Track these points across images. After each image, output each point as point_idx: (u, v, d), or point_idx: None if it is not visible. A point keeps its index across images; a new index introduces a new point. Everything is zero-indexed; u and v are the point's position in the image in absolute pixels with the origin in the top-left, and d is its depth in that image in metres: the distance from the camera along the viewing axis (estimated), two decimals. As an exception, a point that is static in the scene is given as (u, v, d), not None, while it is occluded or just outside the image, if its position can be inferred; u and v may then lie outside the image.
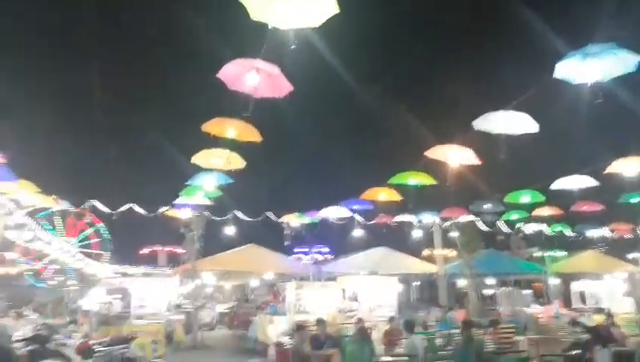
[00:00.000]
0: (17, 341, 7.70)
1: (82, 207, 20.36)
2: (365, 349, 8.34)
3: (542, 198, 14.72)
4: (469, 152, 10.10)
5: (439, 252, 20.63)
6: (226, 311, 25.95)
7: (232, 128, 9.22)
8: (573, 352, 8.90)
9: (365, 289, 14.44)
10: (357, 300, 14.50)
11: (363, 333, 8.97)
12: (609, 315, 12.70)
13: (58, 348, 7.47)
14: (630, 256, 21.67)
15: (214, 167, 12.01)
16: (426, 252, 21.64)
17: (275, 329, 13.80)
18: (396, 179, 12.79)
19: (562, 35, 8.92)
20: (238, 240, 20.29)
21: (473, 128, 8.85)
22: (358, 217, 18.54)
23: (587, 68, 6.61)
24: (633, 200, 14.60)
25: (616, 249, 21.55)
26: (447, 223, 19.61)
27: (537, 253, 24.82)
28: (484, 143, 9.73)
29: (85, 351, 8.20)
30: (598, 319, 13.53)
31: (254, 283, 27.67)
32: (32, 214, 26.10)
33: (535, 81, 7.37)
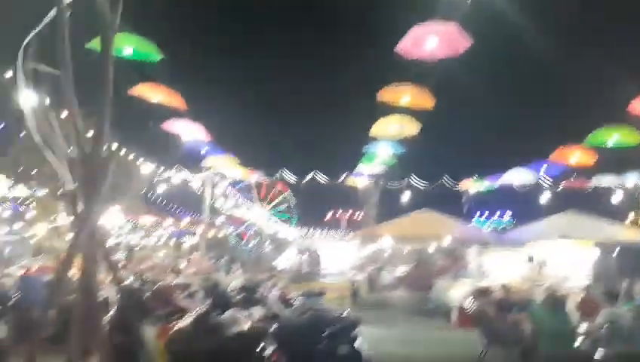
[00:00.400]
0: (231, 291, 9.04)
1: (274, 177, 22.65)
2: (558, 317, 7.82)
3: None
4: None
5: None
6: (405, 273, 26.43)
7: (405, 95, 9.29)
8: None
9: (555, 256, 13.42)
10: (545, 267, 13.55)
11: (556, 300, 8.41)
12: None
13: (263, 298, 8.57)
14: None
15: (391, 136, 12.26)
16: (631, 216, 19.04)
17: (456, 293, 13.73)
18: (594, 137, 11.48)
19: None
20: (414, 206, 20.46)
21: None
22: (545, 180, 17.15)
23: None
24: None
25: None
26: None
27: None
28: None
29: (284, 301, 9.31)
30: None
31: (432, 247, 27.63)
32: (234, 184, 29.84)
33: None
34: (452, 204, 20.93)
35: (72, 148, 2.89)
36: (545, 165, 15.67)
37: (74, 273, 5.33)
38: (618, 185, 16.86)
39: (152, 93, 11.30)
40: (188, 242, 38.33)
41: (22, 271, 13.96)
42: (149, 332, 6.67)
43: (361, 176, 19.05)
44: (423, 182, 19.71)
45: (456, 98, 20.84)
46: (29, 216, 22.74)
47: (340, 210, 46.95)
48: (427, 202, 20.62)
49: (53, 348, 2.71)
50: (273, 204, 46.24)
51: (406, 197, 19.41)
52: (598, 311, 8.27)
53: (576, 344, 7.27)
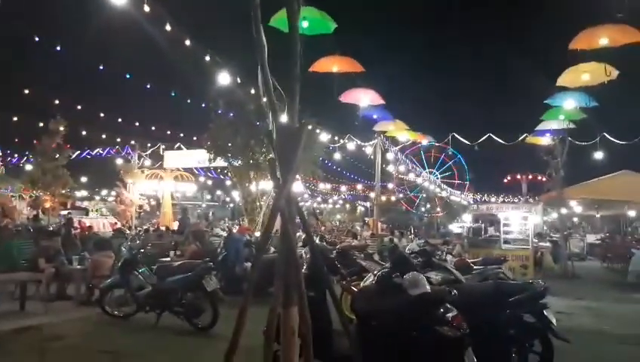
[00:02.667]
0: (409, 253, 9.20)
1: (445, 140, 22.08)
2: None
3: None
4: None
5: None
6: (598, 241, 23.90)
7: (604, 37, 8.18)
8: None
9: None
10: None
11: None
12: None
13: (441, 263, 8.55)
14: None
15: (583, 84, 10.96)
16: None
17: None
18: None
19: None
20: (608, 166, 18.15)
21: None
22: None
23: None
24: None
25: None
26: None
27: None
28: None
29: (464, 266, 9.16)
30: None
31: (632, 213, 24.27)
32: (404, 150, 29.86)
33: None
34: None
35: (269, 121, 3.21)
36: None
37: (275, 232, 5.98)
38: None
39: (330, 64, 11.86)
40: (362, 207, 39.78)
41: (225, 232, 16.13)
42: (336, 289, 7.21)
43: (545, 135, 17.43)
44: (619, 140, 17.27)
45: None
46: (227, 183, 26.01)
47: (520, 174, 43.92)
48: (625, 162, 18.05)
49: (257, 299, 3.12)
50: (444, 168, 45.19)
51: (599, 156, 17.23)
52: None
53: None
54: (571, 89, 12.58)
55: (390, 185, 37.53)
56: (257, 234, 14.24)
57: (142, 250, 10.73)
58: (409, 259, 6.68)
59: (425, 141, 26.53)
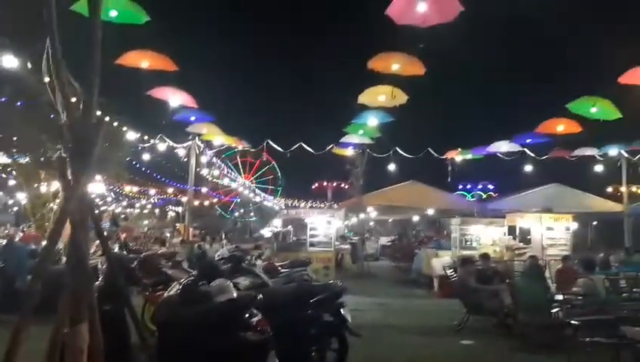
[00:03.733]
0: (218, 260, 9.10)
1: (259, 146, 22.51)
2: (539, 285, 8.09)
3: None
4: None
5: (628, 188, 18.40)
6: (389, 243, 26.89)
7: (396, 62, 9.25)
8: None
9: (537, 228, 13.73)
10: (526, 238, 13.88)
11: (536, 269, 8.70)
12: None
13: (250, 268, 8.67)
14: None
15: (379, 105, 12.22)
16: (610, 189, 19.44)
17: (439, 263, 14.02)
18: (576, 105, 11.64)
19: None
20: (399, 176, 20.62)
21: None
22: (529, 152, 17.37)
23: None
24: None
25: None
26: (638, 157, 17.29)
27: None
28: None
29: (272, 270, 9.44)
30: None
31: (416, 218, 28.04)
32: (220, 154, 29.64)
33: None
34: (437, 175, 21.14)
35: (61, 114, 2.85)
36: (529, 139, 15.87)
37: (64, 240, 5.32)
38: (599, 155, 17.20)
39: (140, 58, 11.01)
40: (173, 212, 38.21)
41: (5, 240, 13.85)
42: (137, 301, 6.74)
43: (348, 147, 19.08)
44: (409, 153, 19.80)
45: (444, 68, 20.73)
46: (11, 183, 22.41)
47: (327, 181, 47.10)
48: (413, 173, 20.78)
49: (42, 317, 2.74)
50: (258, 173, 46.22)
51: (392, 167, 19.49)
52: (576, 280, 8.55)
53: (553, 311, 7.52)
54: (370, 108, 14.01)
55: (204, 190, 36.88)
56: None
57: None
58: (216, 265, 6.61)
59: (241, 146, 26.77)
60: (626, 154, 17.28)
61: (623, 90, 10.45)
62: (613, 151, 16.80)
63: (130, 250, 14.74)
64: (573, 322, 6.43)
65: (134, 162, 25.20)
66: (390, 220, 35.77)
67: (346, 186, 24.12)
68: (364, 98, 12.22)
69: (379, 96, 11.87)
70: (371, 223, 33.97)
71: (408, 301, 13.00)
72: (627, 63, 9.91)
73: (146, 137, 22.26)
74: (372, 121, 14.68)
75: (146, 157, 23.57)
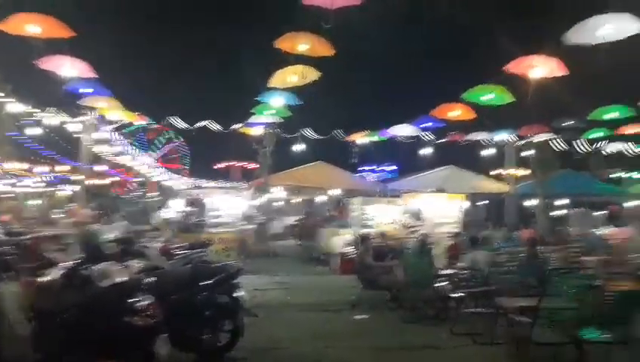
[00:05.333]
0: (109, 241, 8.63)
1: (163, 123, 21.51)
2: (425, 261, 8.63)
3: (630, 114, 13.88)
4: (554, 63, 9.53)
5: (510, 171, 20.05)
6: (295, 223, 27.15)
7: (304, 43, 9.20)
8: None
9: (430, 207, 14.53)
10: (420, 217, 14.67)
11: (423, 246, 9.26)
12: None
13: (142, 250, 8.30)
14: None
15: (291, 85, 12.10)
16: (496, 171, 21.08)
17: (340, 241, 14.44)
18: (471, 94, 12.34)
19: None
20: (307, 157, 20.82)
21: (564, 42, 8.34)
22: (426, 135, 18.27)
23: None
24: None
25: None
26: (522, 142, 18.85)
27: (617, 175, 23.60)
28: (575, 54, 9.10)
29: (167, 253, 9.14)
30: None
31: (321, 198, 28.56)
32: (119, 129, 27.97)
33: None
34: (344, 157, 21.66)
35: None
36: (427, 123, 16.63)
37: None
38: (488, 140, 18.47)
39: (26, 23, 9.80)
40: (67, 191, 35.58)
41: None
42: (13, 288, 6.20)
43: (257, 126, 18.82)
44: (316, 134, 19.98)
45: (354, 51, 21.04)
46: None
47: (234, 161, 46.28)
48: (320, 154, 21.13)
49: None
50: (163, 151, 44.42)
51: (301, 148, 19.60)
52: (463, 256, 9.23)
53: (437, 285, 8.04)
54: (280, 89, 13.85)
55: (102, 168, 34.68)
56: None
57: None
58: (103, 248, 6.27)
59: (143, 122, 25.42)
60: (510, 138, 18.71)
61: (511, 78, 11.21)
62: (502, 136, 18.13)
63: (11, 232, 13.52)
64: (453, 295, 6.93)
65: (21, 136, 23.09)
66: (297, 200, 36.09)
67: (254, 166, 23.91)
68: (275, 81, 12.04)
69: (289, 77, 11.75)
70: (281, 203, 34.08)
71: (309, 278, 13.27)
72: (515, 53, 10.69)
73: (35, 110, 20.39)
74: (278, 100, 14.56)
75: (34, 131, 21.64)
